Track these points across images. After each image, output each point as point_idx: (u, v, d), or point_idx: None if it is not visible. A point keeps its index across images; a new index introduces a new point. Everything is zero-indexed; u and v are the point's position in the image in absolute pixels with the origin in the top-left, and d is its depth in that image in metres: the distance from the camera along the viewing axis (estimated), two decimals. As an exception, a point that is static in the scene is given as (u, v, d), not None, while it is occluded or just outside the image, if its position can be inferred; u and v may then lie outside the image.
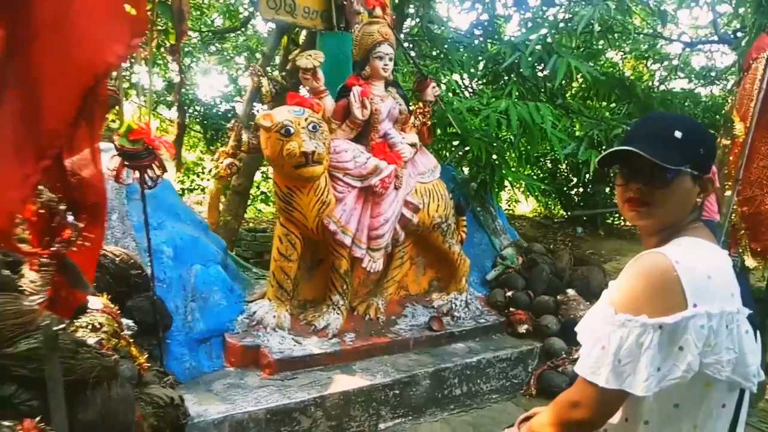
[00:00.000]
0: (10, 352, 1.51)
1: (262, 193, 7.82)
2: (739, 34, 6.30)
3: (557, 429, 1.49)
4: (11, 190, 0.93)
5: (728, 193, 2.86)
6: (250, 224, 6.62)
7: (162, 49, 5.10)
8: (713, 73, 9.28)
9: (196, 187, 7.79)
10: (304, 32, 5.04)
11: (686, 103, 7.10)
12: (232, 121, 5.47)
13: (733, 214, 2.92)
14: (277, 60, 5.58)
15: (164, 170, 2.39)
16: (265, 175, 7.17)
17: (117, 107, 4.48)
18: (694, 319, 1.20)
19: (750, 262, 2.93)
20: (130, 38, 1.03)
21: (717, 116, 6.99)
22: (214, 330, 2.62)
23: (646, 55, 9.24)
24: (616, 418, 1.36)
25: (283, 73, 4.52)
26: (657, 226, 1.40)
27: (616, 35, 6.31)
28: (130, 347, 2.02)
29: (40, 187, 0.98)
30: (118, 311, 2.00)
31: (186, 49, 7.77)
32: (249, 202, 6.22)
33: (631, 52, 9.00)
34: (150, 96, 5.40)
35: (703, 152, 1.37)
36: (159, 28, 5.38)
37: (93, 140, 1.10)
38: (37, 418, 1.48)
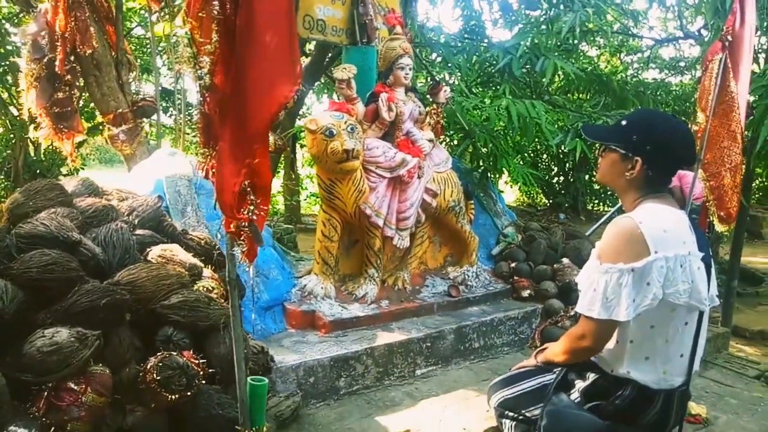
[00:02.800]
0: (167, 304, 2.04)
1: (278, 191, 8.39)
2: (703, 31, 6.96)
3: (568, 355, 2.08)
4: (232, 177, 1.46)
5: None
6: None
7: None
8: (682, 63, 9.94)
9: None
10: (312, 45, 5.57)
11: (658, 93, 7.68)
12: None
13: (705, 189, 3.51)
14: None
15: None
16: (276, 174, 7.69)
17: (154, 116, 4.96)
18: (656, 262, 1.78)
19: (718, 227, 3.52)
20: (294, 85, 1.56)
21: (687, 104, 7.58)
22: (275, 299, 3.14)
23: (620, 49, 9.89)
24: (611, 343, 1.94)
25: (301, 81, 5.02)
26: (610, 186, 2.00)
27: (593, 34, 6.92)
28: (226, 308, 2.54)
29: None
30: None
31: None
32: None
33: (606, 47, 9.64)
34: (184, 108, 5.87)
35: (636, 138, 1.94)
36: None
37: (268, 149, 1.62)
38: (191, 351, 2.01)
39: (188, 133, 6.76)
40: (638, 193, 1.93)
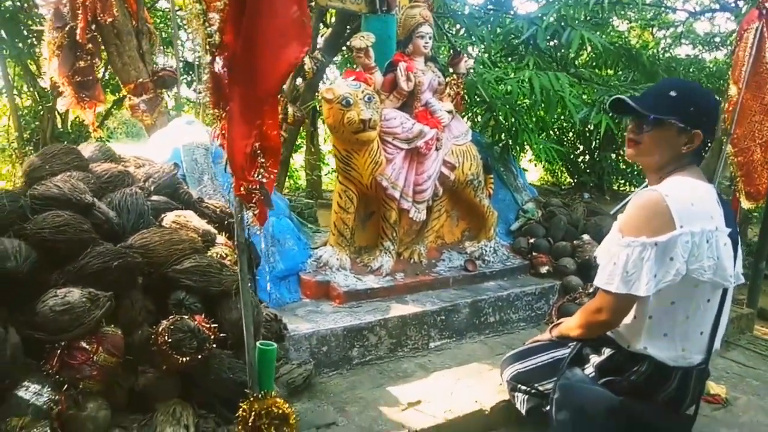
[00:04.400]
0: (179, 268, 2.04)
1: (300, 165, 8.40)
2: (740, 3, 6.67)
3: (584, 329, 2.03)
4: (243, 139, 1.44)
5: (722, 146, 3.34)
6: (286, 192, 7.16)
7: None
8: (717, 39, 9.57)
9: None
10: (334, 16, 5.49)
11: (690, 70, 7.43)
12: (278, 94, 5.94)
13: (732, 165, 3.39)
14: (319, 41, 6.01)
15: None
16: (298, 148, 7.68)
17: (174, 87, 4.96)
18: (681, 236, 1.71)
19: (745, 203, 3.41)
20: (307, 43, 1.52)
21: (721, 81, 7.33)
22: (291, 269, 3.14)
23: (652, 23, 9.55)
24: (628, 318, 1.89)
25: (322, 52, 4.96)
26: (653, 166, 1.89)
27: (624, 6, 6.69)
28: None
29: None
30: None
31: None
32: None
33: (637, 20, 9.32)
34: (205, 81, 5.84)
35: (693, 110, 1.84)
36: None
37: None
38: (203, 315, 2.02)
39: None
40: (672, 166, 1.84)
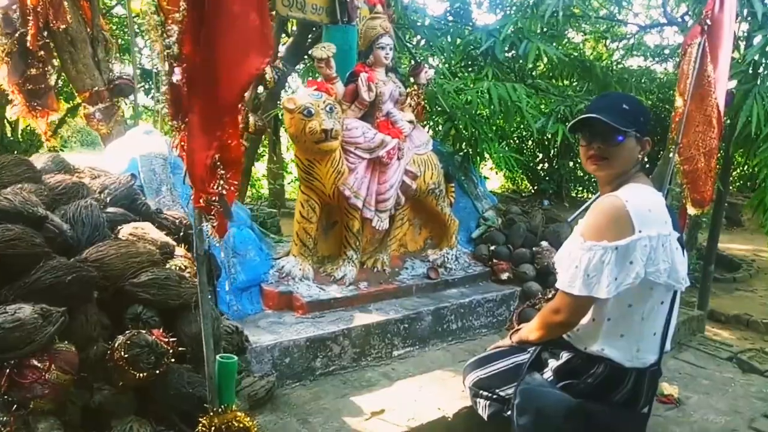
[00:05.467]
0: (136, 282, 2.00)
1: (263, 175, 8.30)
2: (686, 18, 6.96)
3: (542, 331, 2.08)
4: (203, 151, 1.42)
5: (671, 155, 3.48)
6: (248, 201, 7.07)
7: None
8: (666, 51, 9.97)
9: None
10: (295, 25, 5.49)
11: (642, 80, 7.71)
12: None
13: (678, 174, 3.52)
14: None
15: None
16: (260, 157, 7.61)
17: (132, 96, 4.86)
18: (640, 241, 1.78)
19: (691, 210, 3.55)
20: (266, 56, 1.52)
21: (671, 91, 7.61)
22: (252, 280, 3.11)
23: (605, 36, 9.88)
24: (585, 320, 1.95)
25: (283, 61, 4.95)
26: (612, 176, 1.97)
27: (578, 19, 6.90)
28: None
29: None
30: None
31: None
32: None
33: (591, 33, 9.63)
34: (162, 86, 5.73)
35: (643, 120, 1.96)
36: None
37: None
38: (161, 329, 1.98)
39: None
40: (627, 174, 1.94)
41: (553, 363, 2.04)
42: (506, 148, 9.26)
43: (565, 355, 2.02)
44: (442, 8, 7.06)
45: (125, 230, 2.30)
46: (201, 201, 1.50)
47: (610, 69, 6.99)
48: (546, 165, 12.26)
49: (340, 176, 3.25)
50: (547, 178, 12.16)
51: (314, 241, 3.40)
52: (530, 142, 11.80)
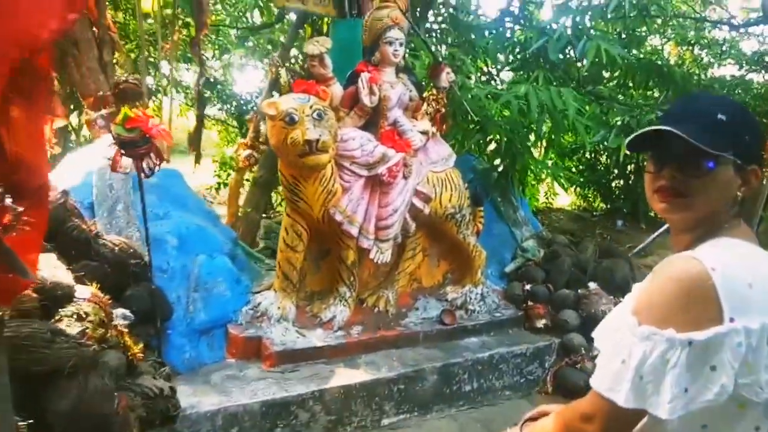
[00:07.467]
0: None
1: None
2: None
3: None
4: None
5: (765, 181, 2.65)
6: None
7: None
8: (767, 58, 8.72)
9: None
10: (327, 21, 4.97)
11: (736, 91, 6.66)
12: (251, 113, 5.44)
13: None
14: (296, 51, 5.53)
15: (162, 159, 2.38)
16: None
17: (139, 101, 4.53)
18: (731, 335, 1.03)
19: None
20: (67, 13, 0.99)
21: (770, 103, 6.55)
22: (216, 320, 2.59)
23: (692, 41, 8.77)
24: None
25: (302, 64, 4.46)
26: (691, 223, 1.21)
27: (656, 20, 6.01)
28: (122, 337, 2.01)
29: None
30: (110, 300, 1.98)
31: (224, 46, 7.87)
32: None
33: (675, 37, 8.56)
34: (171, 89, 5.40)
35: (749, 139, 1.17)
36: (182, 20, 5.43)
37: (36, 119, 1.06)
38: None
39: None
40: (715, 221, 1.19)
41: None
42: (570, 164, 8.37)
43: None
44: (494, 9, 6.32)
45: None
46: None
47: (692, 74, 6.01)
48: (621, 181, 11.17)
49: (330, 197, 2.68)
50: (621, 196, 11.08)
51: (300, 274, 2.84)
52: (604, 157, 10.80)
